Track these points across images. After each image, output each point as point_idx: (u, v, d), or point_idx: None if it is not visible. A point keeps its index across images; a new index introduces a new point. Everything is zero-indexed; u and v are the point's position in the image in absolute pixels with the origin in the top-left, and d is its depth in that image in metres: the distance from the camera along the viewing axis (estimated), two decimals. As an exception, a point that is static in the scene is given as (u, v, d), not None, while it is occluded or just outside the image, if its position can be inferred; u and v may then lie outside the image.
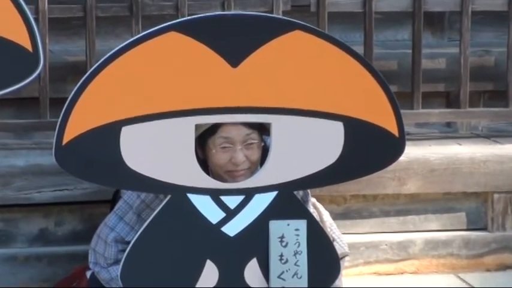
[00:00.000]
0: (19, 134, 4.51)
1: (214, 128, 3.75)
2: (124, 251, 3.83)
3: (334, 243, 3.99)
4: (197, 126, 3.71)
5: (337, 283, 4.03)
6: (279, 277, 3.79)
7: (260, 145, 3.83)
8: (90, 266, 3.95)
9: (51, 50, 4.43)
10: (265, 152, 3.85)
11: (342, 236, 4.19)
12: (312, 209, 4.04)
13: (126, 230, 3.92)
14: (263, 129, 3.83)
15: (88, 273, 4.07)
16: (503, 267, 4.73)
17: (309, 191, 4.01)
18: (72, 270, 4.17)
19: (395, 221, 4.72)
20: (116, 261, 3.89)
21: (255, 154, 3.81)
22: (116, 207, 3.94)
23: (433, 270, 4.68)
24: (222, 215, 3.78)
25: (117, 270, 3.85)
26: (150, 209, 3.86)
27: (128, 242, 3.85)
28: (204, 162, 3.81)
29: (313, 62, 3.77)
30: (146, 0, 4.55)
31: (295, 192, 3.86)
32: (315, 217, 3.97)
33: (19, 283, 4.35)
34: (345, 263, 4.14)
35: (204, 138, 3.75)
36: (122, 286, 3.85)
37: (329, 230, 4.11)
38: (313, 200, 4.14)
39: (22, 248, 4.43)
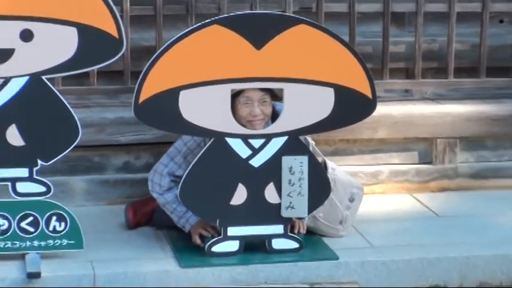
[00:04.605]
0: (110, 96, 4.48)
1: (239, 91, 3.72)
2: (174, 181, 3.84)
3: None
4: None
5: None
6: (288, 195, 3.77)
7: (271, 103, 3.79)
8: (151, 192, 3.89)
9: (132, 38, 4.39)
10: (274, 113, 3.82)
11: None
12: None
13: (175, 167, 3.85)
14: (274, 96, 3.79)
15: None
16: (442, 189, 4.68)
17: (309, 139, 3.96)
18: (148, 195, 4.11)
19: (369, 157, 4.67)
20: (168, 189, 3.85)
21: (267, 109, 3.76)
22: (168, 151, 3.89)
23: (395, 191, 4.63)
24: (249, 152, 3.76)
25: (169, 196, 3.84)
26: (193, 154, 3.80)
27: (177, 176, 3.83)
28: None
29: (313, 46, 3.75)
30: (198, 3, 4.49)
31: (300, 138, 3.83)
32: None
33: (110, 199, 4.36)
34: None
35: (232, 98, 3.70)
36: (172, 210, 3.84)
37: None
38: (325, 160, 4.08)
39: (112, 174, 4.41)
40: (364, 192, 4.15)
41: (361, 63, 3.76)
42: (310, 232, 3.96)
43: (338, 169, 4.06)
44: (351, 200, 4.03)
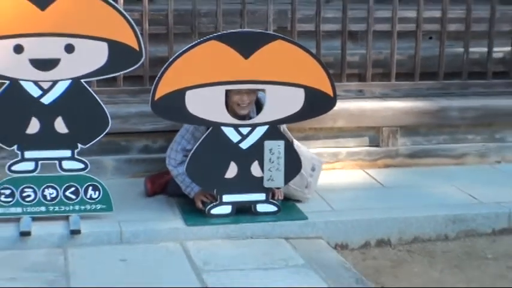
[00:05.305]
0: (133, 95, 4.46)
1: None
2: (186, 156, 3.82)
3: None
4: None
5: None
6: (269, 170, 3.79)
7: (255, 94, 3.81)
8: (167, 166, 3.91)
9: (149, 50, 4.38)
10: (257, 102, 3.83)
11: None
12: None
13: (185, 143, 3.87)
14: (258, 89, 3.80)
15: None
16: (387, 166, 4.67)
17: (284, 126, 3.98)
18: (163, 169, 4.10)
19: (332, 141, 4.67)
20: (181, 163, 3.85)
21: (252, 97, 3.78)
22: (179, 132, 3.91)
23: (351, 168, 4.63)
24: (239, 137, 3.78)
25: (181, 169, 3.84)
26: (198, 131, 3.83)
27: (188, 150, 3.83)
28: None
29: (288, 56, 3.75)
30: (200, 24, 4.51)
31: (278, 126, 3.85)
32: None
33: (133, 174, 4.34)
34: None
35: (227, 92, 3.71)
36: (182, 180, 3.83)
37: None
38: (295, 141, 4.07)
39: (134, 154, 4.39)
40: (322, 164, 4.15)
41: (325, 69, 3.77)
42: (286, 199, 3.96)
43: (302, 146, 4.09)
44: (313, 169, 4.04)
